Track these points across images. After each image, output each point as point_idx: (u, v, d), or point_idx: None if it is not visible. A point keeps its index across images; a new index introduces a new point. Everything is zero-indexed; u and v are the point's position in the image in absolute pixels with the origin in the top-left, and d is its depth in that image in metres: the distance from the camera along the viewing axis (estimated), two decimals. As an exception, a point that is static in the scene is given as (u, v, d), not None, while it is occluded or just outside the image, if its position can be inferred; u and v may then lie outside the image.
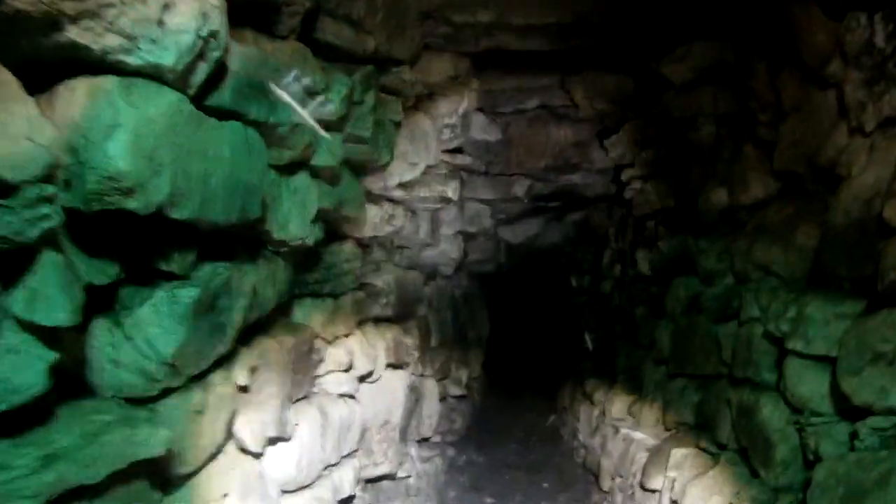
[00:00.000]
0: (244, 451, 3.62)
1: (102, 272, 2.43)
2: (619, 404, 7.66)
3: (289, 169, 3.60)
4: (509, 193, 8.52)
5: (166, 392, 2.79)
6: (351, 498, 5.15)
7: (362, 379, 5.53)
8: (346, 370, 5.07)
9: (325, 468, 4.64)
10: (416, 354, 7.63)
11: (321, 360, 4.74)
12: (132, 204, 2.25)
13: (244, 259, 3.32)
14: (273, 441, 3.90)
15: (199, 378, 3.03)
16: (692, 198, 6.34)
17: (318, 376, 4.78)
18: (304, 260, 4.38)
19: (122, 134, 2.19)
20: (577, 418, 9.57)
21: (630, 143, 7.11)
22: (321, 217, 4.17)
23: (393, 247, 6.67)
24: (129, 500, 2.49)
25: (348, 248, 5.15)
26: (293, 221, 3.62)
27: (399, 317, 6.83)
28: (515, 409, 12.35)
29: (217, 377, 3.19)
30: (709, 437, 5.26)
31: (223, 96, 2.83)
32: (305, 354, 4.31)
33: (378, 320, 6.24)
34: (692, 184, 6.38)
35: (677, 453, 5.46)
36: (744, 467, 4.58)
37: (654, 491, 5.76)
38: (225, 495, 3.37)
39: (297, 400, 4.32)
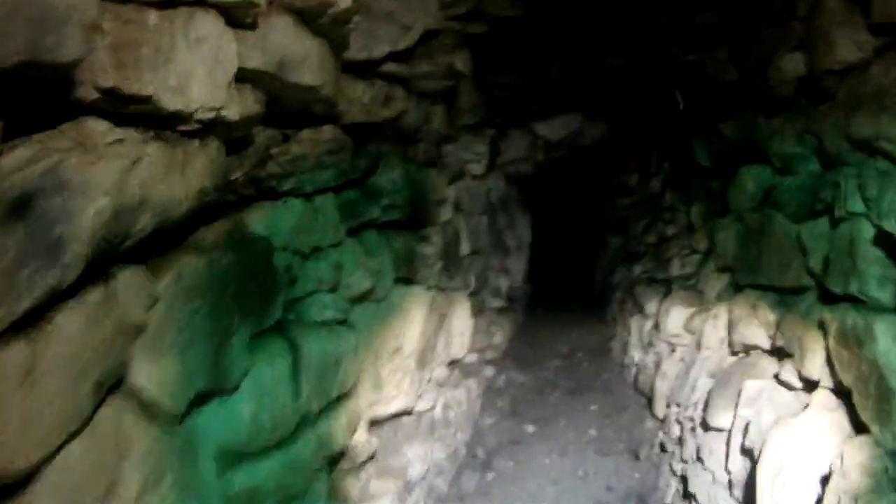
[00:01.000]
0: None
1: None
2: (675, 318, 6.41)
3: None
4: (543, 74, 7.16)
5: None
6: (343, 453, 4.04)
7: (358, 299, 4.38)
8: (332, 290, 3.91)
9: (303, 419, 3.50)
10: (439, 265, 6.46)
11: (293, 280, 3.56)
12: None
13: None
14: (200, 398, 2.73)
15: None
16: (761, 68, 4.95)
17: (294, 300, 3.61)
18: (241, 146, 3.18)
19: None
20: (628, 331, 8.37)
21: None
22: (258, 84, 2.94)
23: (400, 138, 5.45)
24: None
25: (328, 134, 3.93)
26: (196, 84, 2.37)
27: (412, 221, 5.64)
28: (562, 321, 11.16)
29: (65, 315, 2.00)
30: (792, 367, 4.01)
31: None
32: (260, 274, 3.12)
33: (383, 226, 5.06)
34: (760, 50, 4.97)
35: (751, 386, 4.24)
36: (846, 415, 3.35)
37: (720, 430, 4.56)
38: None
39: (258, 334, 3.15)
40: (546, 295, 12.70)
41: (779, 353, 4.35)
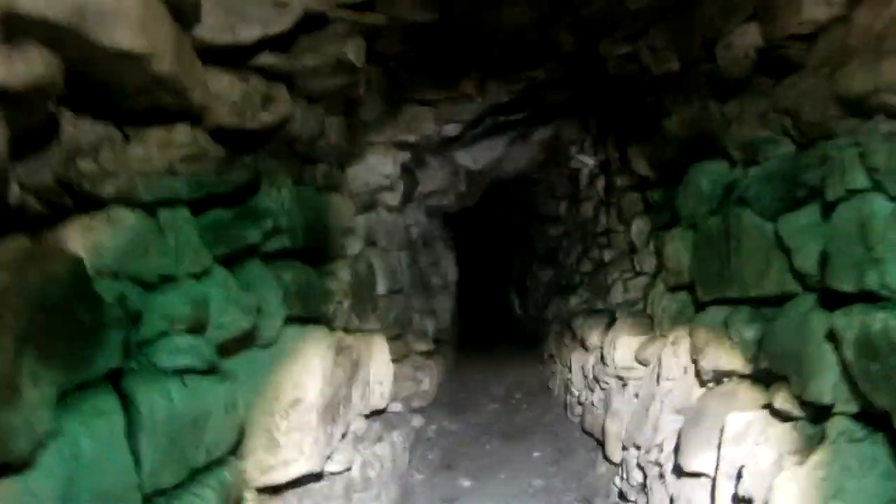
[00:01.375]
0: None
1: None
2: (623, 349, 5.59)
3: None
4: (458, 91, 6.36)
5: None
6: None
7: (237, 342, 3.45)
8: (192, 331, 2.94)
9: (147, 498, 2.50)
10: (347, 303, 5.55)
11: (136, 317, 2.60)
12: None
13: None
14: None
15: None
16: (707, 49, 4.23)
17: (143, 343, 2.64)
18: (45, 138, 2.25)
19: None
20: (569, 368, 7.53)
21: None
22: (50, 42, 2.03)
23: (291, 153, 4.57)
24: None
25: (183, 136, 3.03)
26: None
27: (311, 253, 4.76)
28: (495, 361, 10.30)
29: None
30: (788, 393, 3.19)
31: None
32: (71, 308, 2.16)
33: (271, 256, 4.15)
34: (704, 28, 4.24)
35: (736, 420, 3.41)
36: (883, 447, 2.53)
37: (699, 475, 3.72)
38: None
39: (78, 387, 2.18)
40: (477, 335, 11.87)
41: (766, 378, 3.53)
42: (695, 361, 4.30)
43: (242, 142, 3.81)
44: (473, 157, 9.26)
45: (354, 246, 6.13)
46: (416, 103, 6.33)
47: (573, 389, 7.21)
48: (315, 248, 4.94)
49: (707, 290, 4.33)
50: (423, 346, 8.58)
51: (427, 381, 8.36)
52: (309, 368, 4.07)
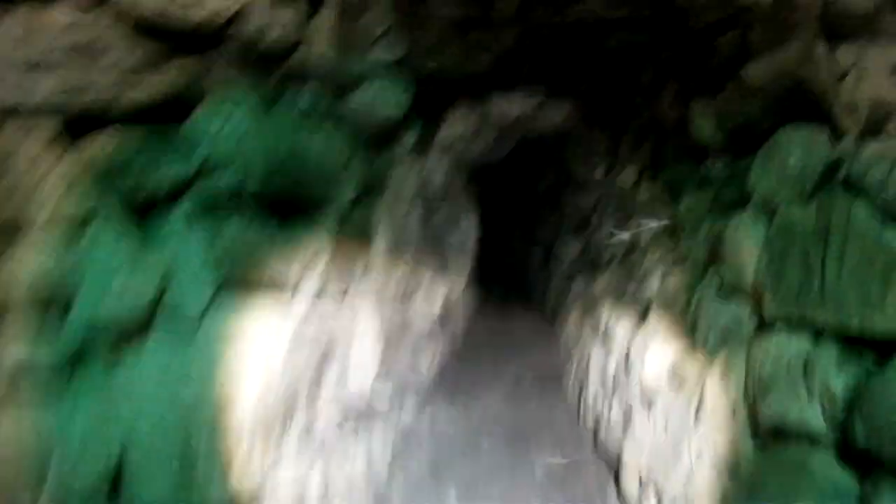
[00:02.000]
0: None
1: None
2: (655, 358, 4.37)
3: None
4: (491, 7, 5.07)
5: None
6: None
7: (131, 327, 2.32)
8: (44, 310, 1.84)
9: None
10: (324, 265, 4.41)
11: None
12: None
13: None
14: None
15: None
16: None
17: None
18: None
19: None
20: (586, 363, 6.32)
21: None
22: None
23: (256, 61, 3.43)
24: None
25: (61, 17, 1.89)
26: None
27: (276, 200, 3.62)
28: (509, 340, 9.11)
29: None
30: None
31: None
32: None
33: (206, 202, 3.01)
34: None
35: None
36: None
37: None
38: None
39: None
40: (493, 305, 10.65)
41: (858, 459, 2.31)
42: (750, 405, 3.06)
43: (180, 39, 2.67)
44: (507, 104, 7.97)
45: (346, 193, 4.93)
46: (434, 19, 5.05)
47: (588, 393, 5.99)
48: (284, 195, 3.79)
49: (780, 305, 3.06)
50: (427, 316, 7.43)
51: (426, 361, 7.23)
52: (247, 354, 2.92)
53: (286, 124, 3.83)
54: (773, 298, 3.11)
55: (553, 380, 7.52)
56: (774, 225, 3.20)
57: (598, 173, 8.73)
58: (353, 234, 5.13)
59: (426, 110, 6.20)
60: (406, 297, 6.70)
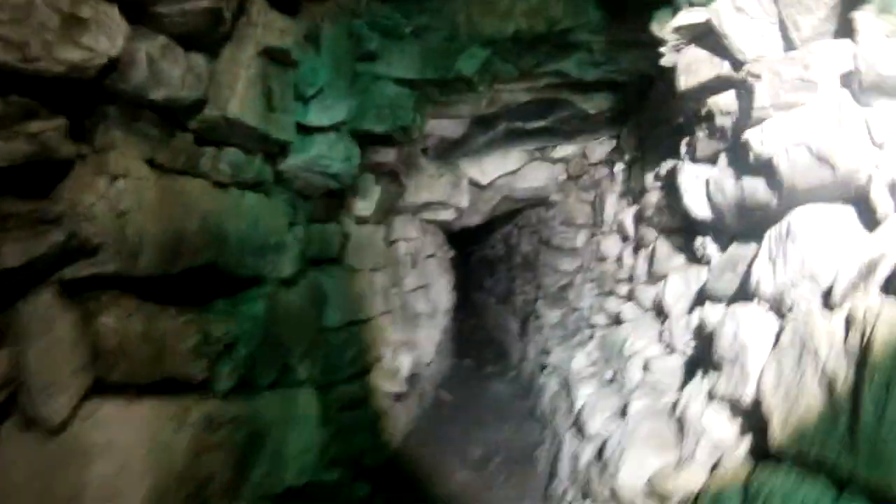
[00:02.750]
0: None
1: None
2: (632, 461, 3.69)
3: None
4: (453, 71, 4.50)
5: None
6: None
7: None
8: None
9: None
10: (243, 353, 3.79)
11: None
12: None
13: None
14: None
15: None
16: None
17: None
18: None
19: None
20: (559, 449, 5.62)
21: None
22: None
23: (154, 119, 2.88)
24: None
25: None
26: None
27: (178, 283, 3.07)
28: (481, 411, 8.34)
29: None
30: None
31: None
32: None
33: (78, 283, 2.43)
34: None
35: None
36: None
37: None
38: None
39: None
40: (467, 375, 9.94)
41: None
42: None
43: (45, 91, 2.06)
44: (481, 168, 7.41)
45: (285, 266, 4.30)
46: (390, 81, 4.48)
47: (559, 484, 5.28)
48: (195, 275, 3.17)
49: (791, 435, 2.41)
50: (391, 388, 6.76)
51: (385, 434, 6.51)
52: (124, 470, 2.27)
53: (196, 192, 3.21)
54: (783, 425, 2.46)
55: (524, 462, 6.79)
56: (789, 323, 2.57)
57: (580, 240, 8.17)
58: (294, 311, 4.49)
59: (385, 172, 5.63)
60: (360, 371, 6.03)
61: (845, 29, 2.54)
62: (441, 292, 8.65)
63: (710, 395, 3.26)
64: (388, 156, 5.40)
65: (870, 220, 2.43)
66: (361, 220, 5.66)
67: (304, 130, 4.11)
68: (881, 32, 2.31)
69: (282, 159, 4.05)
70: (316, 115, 4.07)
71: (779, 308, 2.71)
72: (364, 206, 5.44)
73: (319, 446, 4.82)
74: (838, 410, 2.14)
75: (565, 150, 7.67)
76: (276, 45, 3.50)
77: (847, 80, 2.48)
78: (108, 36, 2.46)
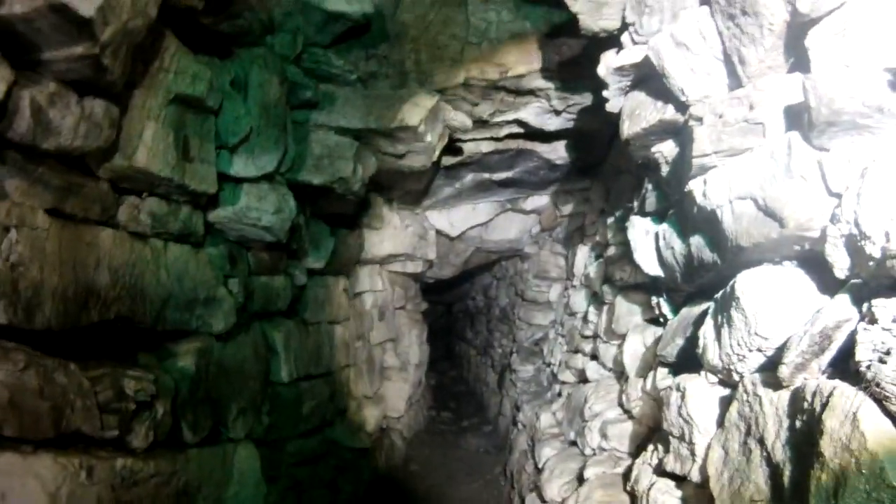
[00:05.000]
0: None
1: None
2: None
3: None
4: (399, 118, 4.13)
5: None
6: None
7: None
8: None
9: None
10: (162, 411, 3.38)
11: None
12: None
13: None
14: None
15: None
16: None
17: None
18: None
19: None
20: (522, 515, 5.16)
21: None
22: None
23: (55, 168, 2.56)
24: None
25: None
26: None
27: (87, 336, 2.69)
28: (452, 467, 7.86)
29: None
30: None
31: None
32: None
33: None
34: None
35: None
36: None
37: None
38: None
39: None
40: (442, 429, 9.43)
41: None
42: None
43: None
44: (450, 220, 7.03)
45: (217, 321, 3.88)
46: (331, 130, 4.10)
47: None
48: (106, 328, 2.79)
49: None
50: (354, 442, 6.29)
51: (346, 490, 6.03)
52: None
53: (108, 244, 2.83)
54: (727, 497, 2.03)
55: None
56: (734, 402, 2.15)
57: (553, 294, 7.76)
58: (233, 363, 4.07)
59: (342, 224, 5.24)
60: (321, 426, 5.58)
61: (799, 60, 2.15)
62: (412, 345, 8.20)
63: (661, 470, 2.84)
64: (342, 207, 5.01)
65: (825, 281, 2.03)
66: (316, 272, 5.26)
67: (234, 181, 3.72)
68: (840, 61, 1.91)
69: (212, 210, 3.67)
70: (242, 165, 3.68)
71: (726, 380, 2.30)
72: (316, 257, 5.04)
73: (264, 503, 4.37)
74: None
75: (537, 200, 7.30)
76: (188, 92, 3.13)
77: (798, 119, 2.08)
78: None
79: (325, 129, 4.20)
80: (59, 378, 2.69)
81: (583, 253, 6.48)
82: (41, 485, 2.56)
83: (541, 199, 7.28)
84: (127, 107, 2.91)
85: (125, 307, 3.06)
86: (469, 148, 5.39)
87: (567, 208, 7.24)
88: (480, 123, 4.74)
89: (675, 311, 3.24)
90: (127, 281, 3.06)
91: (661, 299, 3.41)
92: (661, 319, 3.53)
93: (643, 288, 3.99)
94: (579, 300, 6.13)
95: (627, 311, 4.28)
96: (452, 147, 5.22)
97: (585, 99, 4.46)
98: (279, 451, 4.84)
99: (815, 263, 2.09)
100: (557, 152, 5.61)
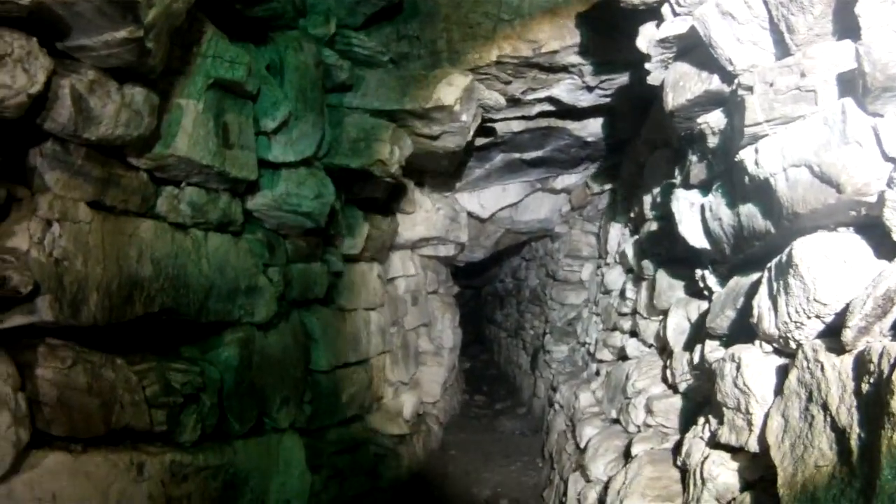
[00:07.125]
0: None
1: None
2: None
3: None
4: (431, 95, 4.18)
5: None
6: None
7: None
8: None
9: None
10: (208, 403, 3.46)
11: None
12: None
13: None
14: None
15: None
16: None
17: None
18: None
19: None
20: (563, 487, 5.21)
21: None
22: None
23: (91, 158, 2.64)
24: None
25: None
26: None
27: (126, 331, 2.78)
28: (489, 450, 7.93)
29: None
30: None
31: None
32: None
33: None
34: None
35: None
36: None
37: None
38: None
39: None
40: (477, 412, 9.51)
41: None
42: None
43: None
44: (480, 201, 7.07)
45: (259, 310, 3.96)
46: (366, 112, 4.15)
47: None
48: (150, 322, 2.87)
49: (800, 497, 2.02)
50: (393, 429, 6.38)
51: (387, 477, 6.12)
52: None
53: (150, 236, 2.90)
54: (790, 483, 2.07)
55: (533, 497, 6.38)
56: (794, 368, 2.19)
57: (586, 273, 7.79)
58: (275, 353, 4.15)
59: (376, 208, 5.29)
60: (360, 414, 5.67)
61: (847, 27, 2.18)
62: (445, 329, 8.27)
63: (714, 442, 2.87)
64: (375, 191, 5.07)
65: (883, 246, 2.06)
66: (351, 258, 5.33)
67: (272, 167, 3.79)
68: (891, 27, 1.94)
69: (250, 198, 3.73)
70: (281, 151, 3.75)
71: (783, 348, 2.33)
72: (351, 243, 5.11)
73: (309, 492, 4.47)
74: (851, 471, 1.76)
75: (567, 179, 7.32)
76: (227, 76, 3.19)
77: (851, 85, 2.11)
78: (27, 72, 2.16)
79: (359, 112, 4.27)
80: (106, 374, 2.76)
81: (616, 230, 6.50)
82: (92, 484, 2.62)
83: (571, 178, 7.30)
84: (166, 93, 2.96)
85: (169, 299, 3.12)
86: (500, 127, 5.43)
87: (598, 186, 7.25)
88: (513, 102, 4.77)
89: (722, 283, 3.27)
90: (170, 272, 3.12)
91: (707, 272, 3.43)
92: (706, 292, 3.56)
93: (685, 262, 4.01)
94: (614, 277, 6.16)
95: (668, 286, 4.31)
96: (483, 127, 5.26)
97: (618, 74, 4.48)
98: (321, 439, 4.92)
99: (871, 229, 2.12)
100: (588, 129, 5.63)
